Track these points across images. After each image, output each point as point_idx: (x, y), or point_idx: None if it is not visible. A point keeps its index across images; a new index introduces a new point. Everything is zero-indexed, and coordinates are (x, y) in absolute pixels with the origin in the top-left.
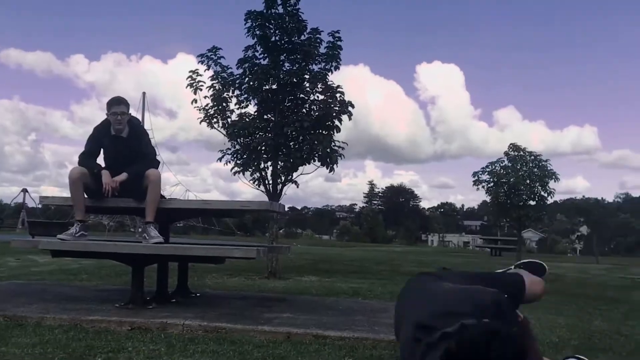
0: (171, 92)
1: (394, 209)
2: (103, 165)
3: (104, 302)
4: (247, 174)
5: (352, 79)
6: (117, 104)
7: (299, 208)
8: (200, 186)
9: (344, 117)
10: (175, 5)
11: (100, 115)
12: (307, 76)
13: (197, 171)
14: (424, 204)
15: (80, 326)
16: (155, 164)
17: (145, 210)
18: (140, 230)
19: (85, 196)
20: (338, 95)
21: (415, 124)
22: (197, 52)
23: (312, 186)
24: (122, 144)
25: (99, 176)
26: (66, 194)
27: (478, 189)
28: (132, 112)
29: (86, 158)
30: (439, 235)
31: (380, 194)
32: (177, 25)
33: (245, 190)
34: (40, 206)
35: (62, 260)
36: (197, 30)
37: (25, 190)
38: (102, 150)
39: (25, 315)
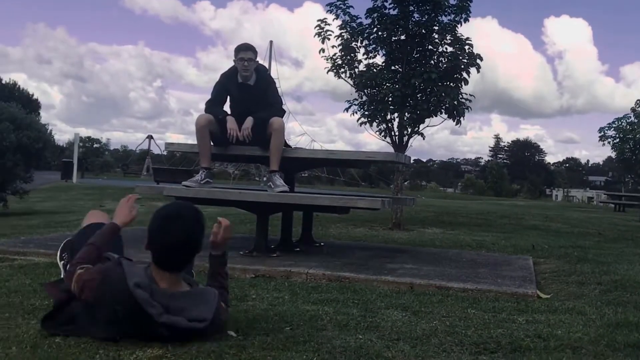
0: (297, 41)
1: (519, 163)
2: (229, 112)
3: (228, 249)
4: (374, 125)
5: (479, 32)
6: (245, 49)
7: (424, 160)
8: (325, 136)
9: (472, 70)
10: None
11: (226, 63)
12: (436, 27)
13: (323, 121)
14: (549, 159)
15: (205, 273)
16: (281, 112)
17: (269, 159)
18: (265, 179)
19: (211, 143)
20: (467, 47)
21: (542, 78)
22: (325, 0)
23: (438, 139)
24: (248, 91)
25: (225, 123)
26: (192, 141)
27: (604, 144)
28: (259, 60)
29: (212, 105)
30: (564, 190)
31: (505, 148)
32: None
33: (371, 141)
34: (165, 153)
35: None
36: None
37: (150, 137)
38: (228, 97)
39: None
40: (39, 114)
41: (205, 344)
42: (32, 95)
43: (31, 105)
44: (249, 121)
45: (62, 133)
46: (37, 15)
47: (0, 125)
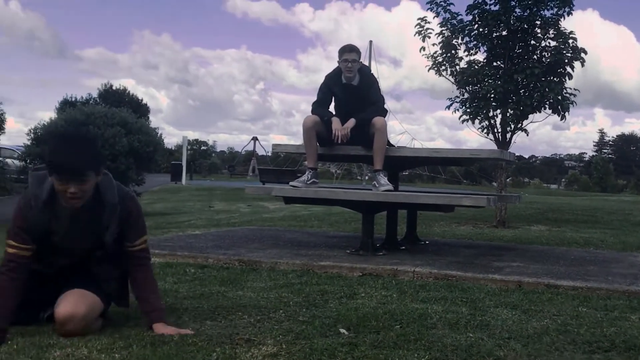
0: (395, 40)
1: (624, 157)
2: (334, 112)
3: (334, 248)
4: (476, 122)
5: (580, 25)
6: (349, 51)
7: (526, 157)
8: (424, 134)
9: (576, 64)
10: None
11: (325, 64)
12: (538, 22)
13: (422, 119)
14: None
15: (313, 271)
16: (383, 112)
17: (373, 158)
18: (366, 177)
19: (317, 144)
20: (570, 41)
21: None
22: None
23: (539, 134)
24: (352, 92)
25: (330, 124)
26: (294, 142)
27: None
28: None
29: (318, 106)
30: None
31: (610, 143)
32: None
33: (471, 138)
34: (269, 154)
35: (292, 207)
36: None
37: (255, 139)
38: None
39: (259, 260)
40: (148, 118)
41: (317, 343)
42: (142, 100)
43: (141, 109)
44: (350, 122)
45: (170, 136)
46: (142, 23)
47: (113, 130)
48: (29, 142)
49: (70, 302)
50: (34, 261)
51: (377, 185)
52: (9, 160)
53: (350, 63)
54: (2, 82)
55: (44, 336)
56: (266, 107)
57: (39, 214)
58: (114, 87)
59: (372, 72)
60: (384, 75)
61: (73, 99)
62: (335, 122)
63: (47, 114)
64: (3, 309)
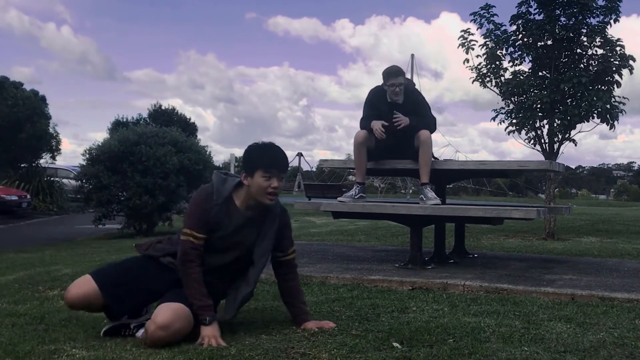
0: (436, 52)
1: None
2: None
3: (382, 262)
4: (522, 133)
5: (625, 31)
6: (395, 76)
7: (573, 167)
8: (468, 147)
9: (624, 72)
10: None
11: (366, 79)
12: (584, 30)
13: (464, 132)
14: None
15: (363, 285)
16: (432, 127)
17: (419, 172)
18: (410, 191)
19: (366, 159)
20: (618, 49)
21: None
22: (461, 10)
23: (586, 144)
24: (397, 109)
25: (371, 128)
26: (337, 156)
27: None
28: None
29: (367, 120)
30: None
31: None
32: None
33: (515, 149)
34: (314, 169)
35: (338, 221)
36: None
37: (300, 155)
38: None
39: (310, 274)
40: (196, 136)
41: (371, 356)
42: (190, 119)
43: (189, 128)
44: (405, 120)
45: (218, 154)
46: (187, 43)
47: (164, 148)
48: (84, 162)
49: (170, 311)
50: None
51: (424, 199)
52: (65, 180)
53: (397, 87)
54: (57, 106)
55: (107, 350)
56: (309, 123)
57: (217, 208)
58: (162, 107)
59: (416, 87)
60: (426, 88)
61: (124, 120)
62: (375, 123)
63: (99, 135)
64: (205, 295)
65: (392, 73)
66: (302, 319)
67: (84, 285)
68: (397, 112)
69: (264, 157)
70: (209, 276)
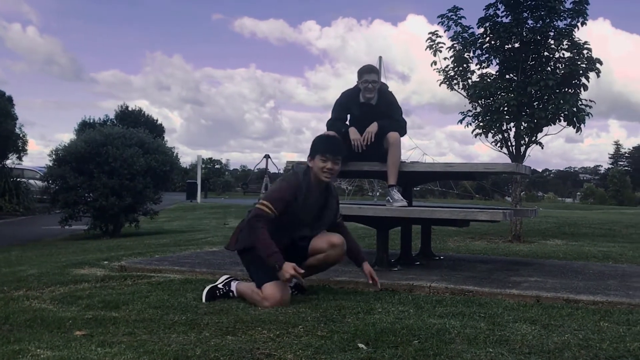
0: (403, 54)
1: None
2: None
3: (349, 264)
4: (489, 135)
5: (591, 34)
6: (369, 72)
7: (540, 170)
8: (435, 149)
9: (591, 75)
10: None
11: (334, 81)
12: (551, 33)
13: (432, 134)
14: None
15: (329, 287)
16: (402, 130)
17: (387, 174)
18: (378, 193)
19: None
20: (585, 52)
21: None
22: (428, 12)
23: (553, 147)
24: (369, 110)
25: (347, 136)
26: (304, 159)
27: None
28: None
29: (334, 122)
30: None
31: (626, 155)
32: None
33: (482, 152)
34: (281, 171)
35: None
36: None
37: (267, 157)
38: (348, 116)
39: None
40: (164, 138)
41: (337, 357)
42: (157, 120)
43: (156, 129)
44: (373, 126)
45: (185, 155)
46: (154, 44)
47: (131, 150)
48: (50, 163)
49: (335, 236)
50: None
51: (390, 201)
52: (31, 181)
53: (370, 84)
54: (24, 106)
55: (71, 350)
56: (276, 125)
57: (301, 191)
58: (129, 108)
59: (389, 90)
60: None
61: (91, 121)
62: (353, 132)
63: (66, 136)
64: (273, 245)
65: (366, 70)
66: (361, 260)
67: (283, 288)
68: (355, 137)
69: (319, 143)
70: (281, 244)
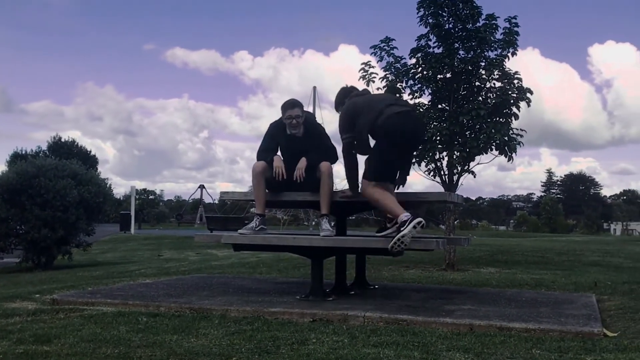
0: (335, 84)
1: (573, 197)
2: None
3: (284, 294)
4: (422, 165)
5: (521, 64)
6: (291, 107)
7: (473, 198)
8: None
9: (522, 104)
10: None
11: (267, 111)
12: (482, 63)
13: None
14: (605, 192)
15: (264, 318)
16: (333, 159)
17: (320, 203)
18: (313, 223)
19: (266, 190)
20: (516, 81)
21: (591, 109)
22: (359, 42)
23: (486, 176)
24: (297, 142)
25: (272, 163)
26: (240, 188)
27: None
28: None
29: (264, 152)
30: (622, 224)
31: (558, 182)
32: (338, 17)
33: (417, 181)
34: (216, 202)
35: (241, 254)
36: (359, 21)
37: (202, 187)
38: (278, 147)
39: (210, 307)
40: (97, 169)
41: None
42: (90, 151)
43: (89, 161)
44: (302, 161)
45: (118, 186)
46: (85, 75)
47: (63, 181)
48: None
49: None
50: None
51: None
52: None
53: (294, 119)
54: None
55: None
56: (211, 155)
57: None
58: (62, 139)
59: (316, 119)
60: (327, 120)
61: (23, 152)
62: (277, 160)
63: None
64: None
65: (288, 105)
66: None
67: None
68: (277, 165)
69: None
70: None
